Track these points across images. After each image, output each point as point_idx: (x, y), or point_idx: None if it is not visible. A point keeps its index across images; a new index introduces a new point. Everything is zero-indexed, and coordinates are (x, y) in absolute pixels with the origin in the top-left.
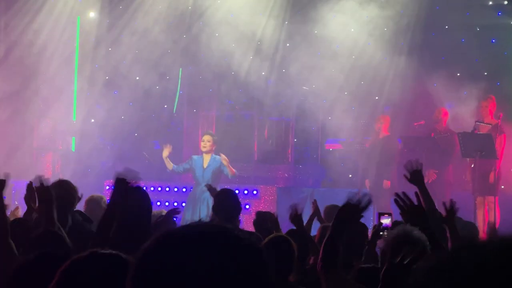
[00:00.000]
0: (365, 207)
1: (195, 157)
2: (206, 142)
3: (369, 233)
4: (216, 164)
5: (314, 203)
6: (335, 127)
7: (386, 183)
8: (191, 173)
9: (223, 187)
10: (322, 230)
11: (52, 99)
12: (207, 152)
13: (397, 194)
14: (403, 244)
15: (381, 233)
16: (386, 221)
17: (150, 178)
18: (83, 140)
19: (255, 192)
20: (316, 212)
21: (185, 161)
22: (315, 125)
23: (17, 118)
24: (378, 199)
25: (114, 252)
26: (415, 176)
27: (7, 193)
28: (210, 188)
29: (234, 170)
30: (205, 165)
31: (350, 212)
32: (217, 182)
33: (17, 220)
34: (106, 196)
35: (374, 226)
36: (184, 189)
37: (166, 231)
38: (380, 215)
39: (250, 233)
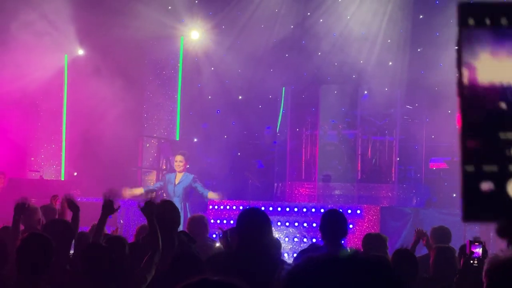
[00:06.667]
0: None
1: (167, 175)
2: (179, 162)
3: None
4: (187, 181)
5: (419, 232)
6: (439, 146)
7: None
8: (163, 190)
9: (330, 208)
10: (437, 251)
11: (156, 119)
12: (180, 172)
13: None
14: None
15: (471, 261)
16: (477, 250)
17: (252, 198)
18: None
19: (358, 211)
20: (418, 240)
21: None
22: (419, 143)
23: (122, 137)
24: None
25: (226, 279)
26: None
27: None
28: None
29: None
30: (176, 181)
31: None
32: (187, 198)
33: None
34: (209, 216)
35: (465, 256)
36: (287, 209)
37: (310, 257)
38: (471, 243)
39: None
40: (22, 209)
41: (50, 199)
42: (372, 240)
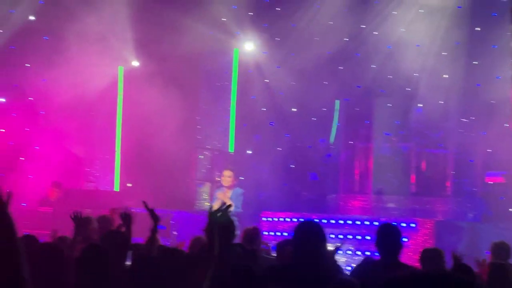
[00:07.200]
0: None
1: (216, 192)
2: (227, 177)
3: None
4: (238, 199)
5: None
6: (496, 160)
7: None
8: None
9: (385, 222)
10: (492, 268)
11: (209, 130)
12: (229, 187)
13: None
14: None
15: None
16: None
17: (305, 210)
18: (240, 172)
19: (413, 225)
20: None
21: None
22: (474, 157)
23: (176, 149)
24: None
25: None
26: None
27: (165, 223)
28: None
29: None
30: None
31: None
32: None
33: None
34: (262, 228)
35: None
36: (341, 221)
37: (397, 277)
38: None
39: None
40: (80, 223)
41: (109, 211)
42: (430, 254)
